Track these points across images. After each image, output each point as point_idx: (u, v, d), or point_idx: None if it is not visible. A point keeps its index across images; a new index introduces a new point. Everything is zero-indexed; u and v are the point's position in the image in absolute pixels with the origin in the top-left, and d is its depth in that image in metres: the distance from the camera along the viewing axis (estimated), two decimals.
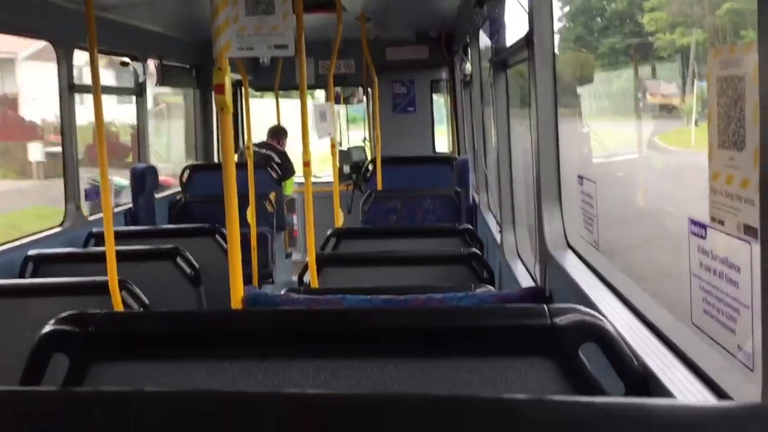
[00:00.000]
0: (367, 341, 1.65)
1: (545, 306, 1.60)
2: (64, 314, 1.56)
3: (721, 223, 1.38)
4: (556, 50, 2.80)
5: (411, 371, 1.58)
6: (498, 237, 4.58)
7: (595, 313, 1.63)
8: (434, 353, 1.61)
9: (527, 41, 2.82)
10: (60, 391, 1.17)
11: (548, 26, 2.72)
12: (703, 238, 1.51)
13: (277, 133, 8.00)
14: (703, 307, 1.52)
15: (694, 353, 1.67)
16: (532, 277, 3.66)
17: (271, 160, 7.37)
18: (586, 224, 2.50)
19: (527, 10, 2.90)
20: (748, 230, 1.28)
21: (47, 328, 1.53)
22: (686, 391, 1.53)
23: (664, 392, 1.54)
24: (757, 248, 1.23)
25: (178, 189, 7.23)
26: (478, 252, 3.79)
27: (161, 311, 2.10)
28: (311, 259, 3.84)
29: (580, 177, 2.56)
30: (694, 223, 1.54)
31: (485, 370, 1.58)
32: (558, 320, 1.56)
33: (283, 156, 7.95)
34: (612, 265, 2.37)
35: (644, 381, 1.59)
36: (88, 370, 1.54)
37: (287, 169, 7.79)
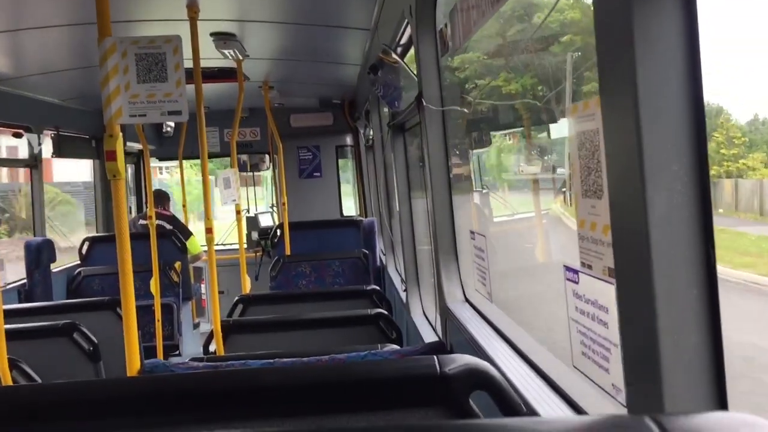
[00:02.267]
0: (263, 401, 1.63)
1: (435, 357, 1.63)
2: None
3: (590, 267, 1.47)
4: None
5: (308, 428, 1.57)
6: (404, 296, 4.64)
7: (483, 362, 1.67)
8: (330, 409, 1.61)
9: (418, 103, 2.94)
10: None
11: (436, 88, 2.85)
12: (576, 282, 1.60)
13: (160, 198, 7.86)
14: (581, 349, 1.59)
15: (579, 397, 1.74)
16: (436, 333, 3.71)
17: (164, 228, 7.24)
18: (480, 277, 2.58)
19: (415, 75, 3.04)
20: (612, 272, 1.36)
21: None
22: None
23: None
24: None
25: (77, 262, 6.98)
26: (384, 312, 3.82)
27: (50, 383, 2.01)
28: (216, 327, 3.78)
29: (472, 232, 2.66)
30: (568, 269, 1.63)
31: (380, 423, 1.59)
32: (447, 369, 1.60)
33: (173, 220, 7.83)
34: (504, 316, 2.44)
35: None
36: None
37: (184, 231, 7.67)
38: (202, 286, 8.87)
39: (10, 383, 3.34)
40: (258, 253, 8.19)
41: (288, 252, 6.76)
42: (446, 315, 2.88)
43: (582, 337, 1.58)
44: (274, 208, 9.28)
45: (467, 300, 2.85)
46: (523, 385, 1.88)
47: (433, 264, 3.01)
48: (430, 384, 1.60)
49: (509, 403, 1.61)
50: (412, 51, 3.83)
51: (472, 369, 1.61)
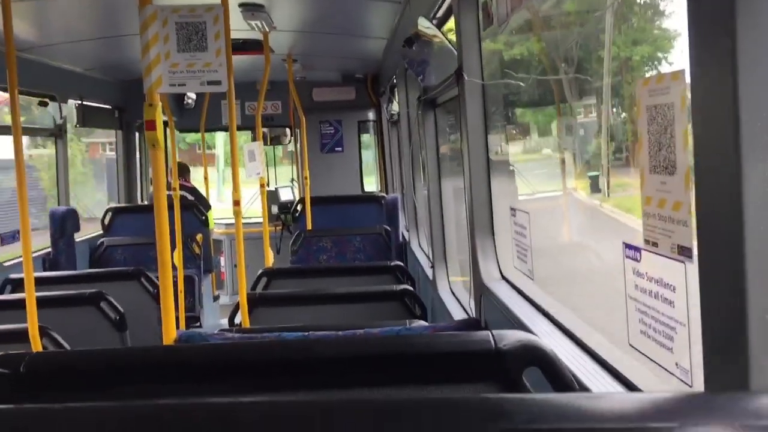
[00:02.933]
0: (311, 372, 1.62)
1: (489, 332, 1.62)
2: None
3: (655, 245, 1.44)
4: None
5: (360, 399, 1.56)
6: (430, 273, 4.62)
7: (536, 338, 1.65)
8: (379, 382, 1.60)
9: (457, 76, 2.89)
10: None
11: (477, 61, 2.80)
12: (638, 261, 1.57)
13: (181, 170, 7.88)
14: (639, 328, 1.57)
15: (631, 373, 1.72)
16: (465, 311, 3.70)
17: (186, 199, 7.26)
18: (520, 255, 2.55)
19: (456, 47, 2.99)
20: (683, 250, 1.33)
21: None
22: None
23: None
24: (691, 267, 1.28)
25: (99, 232, 7.02)
26: (410, 288, 3.81)
27: (94, 349, 2.01)
28: (242, 299, 3.78)
29: (513, 209, 2.63)
30: (628, 246, 1.60)
31: (434, 396, 1.58)
32: (502, 345, 1.58)
33: (195, 192, 7.86)
34: (546, 293, 2.42)
35: None
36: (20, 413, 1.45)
37: (204, 203, 7.71)
38: (222, 258, 8.91)
39: (41, 350, 3.37)
40: (278, 227, 8.19)
41: (309, 227, 6.76)
42: (482, 292, 2.86)
43: (642, 315, 1.56)
44: (295, 183, 9.26)
45: (504, 277, 2.83)
46: (572, 363, 1.86)
47: (469, 240, 2.99)
48: (485, 359, 1.58)
49: (563, 380, 1.59)
50: (447, 24, 3.78)
51: (526, 345, 1.59)
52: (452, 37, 3.40)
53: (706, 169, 1.11)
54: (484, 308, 2.86)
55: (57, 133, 6.24)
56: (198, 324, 6.40)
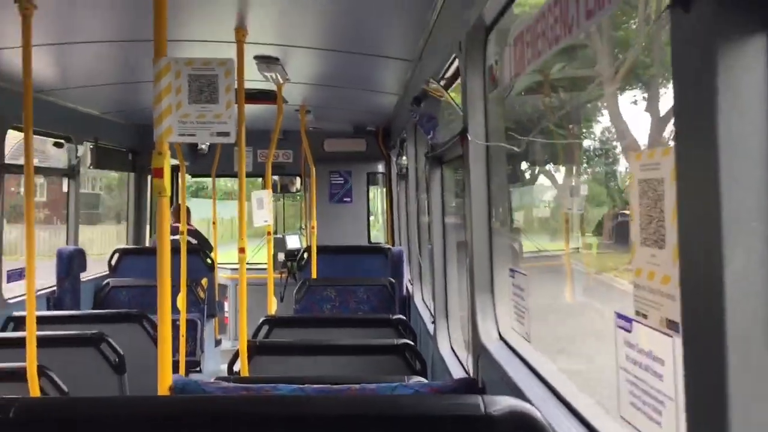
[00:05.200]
0: (303, 428, 1.62)
1: (480, 396, 1.61)
2: None
3: (645, 317, 1.45)
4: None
5: None
6: (431, 328, 4.61)
7: (528, 405, 1.65)
8: None
9: (462, 137, 2.94)
10: None
11: (481, 123, 2.85)
12: (629, 331, 1.57)
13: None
14: (629, 399, 1.56)
15: None
16: (465, 369, 3.67)
17: (192, 244, 7.31)
18: (518, 316, 2.55)
19: (460, 108, 3.04)
20: (671, 324, 1.34)
21: None
22: None
23: None
24: (678, 341, 1.29)
25: (105, 272, 7.05)
26: (411, 343, 3.80)
27: (84, 397, 2.01)
28: (242, 347, 3.77)
29: (512, 270, 2.63)
30: (620, 316, 1.61)
31: None
32: (492, 411, 1.58)
33: (197, 235, 7.92)
34: (542, 357, 2.41)
35: None
36: None
37: (206, 245, 7.76)
38: (226, 303, 8.90)
39: (38, 391, 3.36)
40: (284, 275, 8.21)
41: (314, 275, 6.76)
42: (479, 352, 2.85)
43: (632, 387, 1.55)
44: (302, 231, 9.31)
45: (502, 338, 2.82)
46: (563, 431, 1.84)
47: (468, 299, 2.99)
48: (473, 424, 1.57)
49: None
50: (455, 84, 3.86)
51: (517, 412, 1.59)
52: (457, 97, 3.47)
53: (689, 246, 1.12)
54: (482, 368, 2.84)
55: (70, 174, 6.33)
56: (198, 369, 6.37)
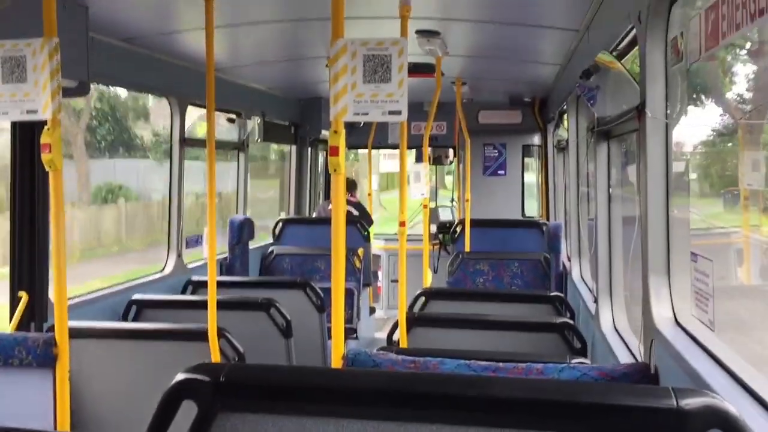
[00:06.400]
0: (475, 410, 1.64)
1: (670, 388, 1.56)
2: (196, 364, 1.63)
3: None
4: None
5: None
6: (592, 307, 4.49)
7: (723, 401, 1.57)
8: (547, 427, 1.59)
9: (639, 112, 2.81)
10: None
11: (661, 98, 2.71)
12: None
13: (349, 185, 8.20)
14: None
15: None
16: (632, 353, 3.56)
17: (351, 215, 7.55)
18: (699, 303, 2.43)
19: (638, 80, 2.91)
20: None
21: (181, 376, 1.60)
22: None
23: None
24: None
25: (269, 241, 7.46)
26: (571, 322, 3.74)
27: (287, 366, 2.16)
28: (402, 319, 3.87)
29: (694, 254, 2.51)
30: None
31: None
32: (684, 404, 1.52)
33: (360, 207, 8.14)
34: (729, 348, 2.29)
35: None
36: (215, 418, 1.59)
37: (367, 218, 7.97)
38: (380, 273, 9.15)
39: (218, 351, 3.63)
40: (436, 246, 8.29)
41: (468, 248, 6.78)
42: (652, 336, 2.75)
43: None
44: (454, 203, 9.34)
45: (678, 324, 2.70)
46: (759, 430, 1.75)
47: (642, 281, 2.88)
48: (664, 417, 1.53)
49: None
50: (627, 56, 3.68)
51: (712, 407, 1.52)
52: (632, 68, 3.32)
53: None
54: (654, 353, 2.74)
55: (240, 147, 6.72)
56: (354, 335, 6.62)
